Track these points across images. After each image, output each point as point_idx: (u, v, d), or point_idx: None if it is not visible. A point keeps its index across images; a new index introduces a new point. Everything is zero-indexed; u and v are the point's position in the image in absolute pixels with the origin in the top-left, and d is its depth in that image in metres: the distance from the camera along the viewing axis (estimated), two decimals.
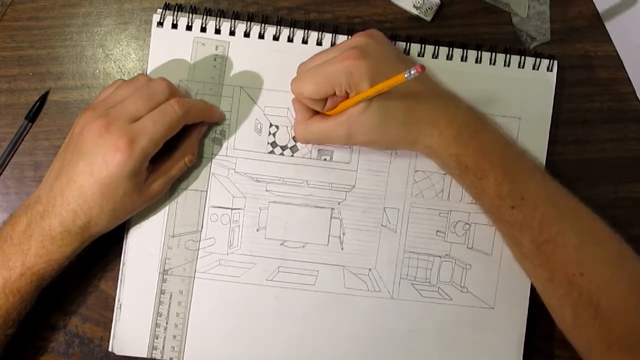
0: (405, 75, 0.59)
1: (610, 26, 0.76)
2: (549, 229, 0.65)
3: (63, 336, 0.74)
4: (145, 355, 0.73)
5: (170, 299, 0.73)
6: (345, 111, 0.67)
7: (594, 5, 0.76)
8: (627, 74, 0.76)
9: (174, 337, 0.73)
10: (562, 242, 0.65)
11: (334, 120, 0.68)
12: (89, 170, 0.63)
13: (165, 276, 0.73)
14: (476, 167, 0.67)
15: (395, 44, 0.74)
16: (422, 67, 0.57)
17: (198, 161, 0.73)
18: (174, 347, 0.73)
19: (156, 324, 0.72)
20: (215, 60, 0.74)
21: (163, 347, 0.73)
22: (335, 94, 0.67)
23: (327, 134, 0.69)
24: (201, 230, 0.73)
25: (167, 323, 0.73)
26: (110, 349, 0.72)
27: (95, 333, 0.74)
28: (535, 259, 0.67)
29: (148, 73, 0.73)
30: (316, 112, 0.71)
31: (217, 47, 0.74)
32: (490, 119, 0.71)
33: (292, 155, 0.74)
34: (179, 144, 0.70)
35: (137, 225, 0.73)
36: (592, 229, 0.67)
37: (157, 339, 0.72)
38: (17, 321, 0.67)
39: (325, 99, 0.68)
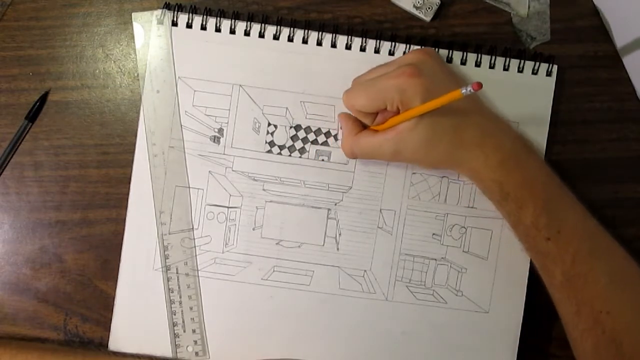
0: (462, 92, 0.56)
1: (610, 26, 0.73)
2: (581, 265, 0.63)
3: (63, 336, 0.72)
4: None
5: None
6: (394, 127, 0.65)
7: (594, 5, 0.73)
8: (627, 74, 0.73)
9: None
10: (592, 278, 0.63)
11: (382, 135, 0.65)
12: None
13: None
14: (517, 195, 0.64)
15: (395, 44, 0.71)
16: (479, 85, 0.55)
17: (195, 159, 0.70)
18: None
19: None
20: (215, 58, 0.71)
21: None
22: (386, 109, 0.65)
23: (375, 149, 0.66)
24: (197, 228, 0.71)
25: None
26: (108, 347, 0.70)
27: (95, 333, 0.72)
28: (564, 291, 0.65)
29: (147, 70, 0.70)
30: (363, 128, 0.69)
31: (217, 44, 0.71)
32: (535, 148, 0.69)
33: (289, 155, 0.71)
34: None
35: (134, 223, 0.70)
36: (624, 269, 0.65)
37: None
38: None
39: (376, 114, 0.66)
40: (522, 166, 0.65)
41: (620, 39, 0.72)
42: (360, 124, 0.69)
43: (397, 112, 0.64)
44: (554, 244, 0.64)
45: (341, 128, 0.70)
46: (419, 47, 0.71)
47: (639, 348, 0.61)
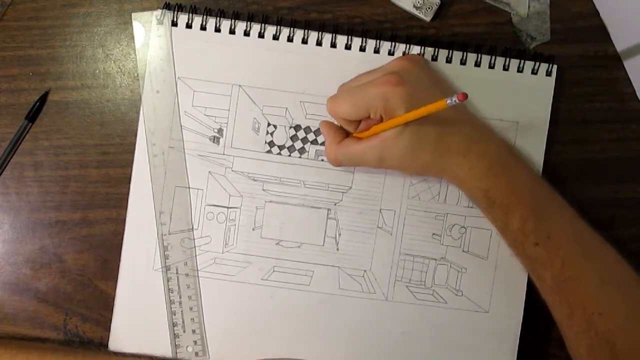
0: (447, 102, 0.56)
1: (610, 26, 0.73)
2: (572, 268, 0.63)
3: (63, 336, 0.71)
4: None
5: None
6: (379, 134, 0.64)
7: (594, 5, 0.73)
8: (627, 74, 0.73)
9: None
10: (584, 281, 0.62)
11: (367, 143, 0.65)
12: None
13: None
14: (503, 202, 0.64)
15: (395, 44, 0.71)
16: (465, 95, 0.55)
17: (195, 159, 0.70)
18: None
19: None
20: (215, 58, 0.70)
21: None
22: (370, 117, 0.64)
23: (360, 156, 0.66)
24: (197, 229, 0.70)
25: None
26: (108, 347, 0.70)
27: (95, 333, 0.71)
28: (556, 294, 0.64)
29: (147, 70, 0.70)
30: (346, 136, 0.68)
31: (217, 45, 0.70)
32: (521, 154, 0.69)
33: (289, 155, 0.71)
34: None
35: (134, 223, 0.70)
36: (615, 271, 0.64)
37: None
38: None
39: (359, 121, 0.66)
40: (508, 173, 0.65)
41: (619, 39, 0.72)
42: (343, 132, 0.68)
43: (381, 120, 0.64)
44: (543, 248, 0.63)
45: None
46: (419, 47, 0.70)
47: (632, 348, 0.61)
